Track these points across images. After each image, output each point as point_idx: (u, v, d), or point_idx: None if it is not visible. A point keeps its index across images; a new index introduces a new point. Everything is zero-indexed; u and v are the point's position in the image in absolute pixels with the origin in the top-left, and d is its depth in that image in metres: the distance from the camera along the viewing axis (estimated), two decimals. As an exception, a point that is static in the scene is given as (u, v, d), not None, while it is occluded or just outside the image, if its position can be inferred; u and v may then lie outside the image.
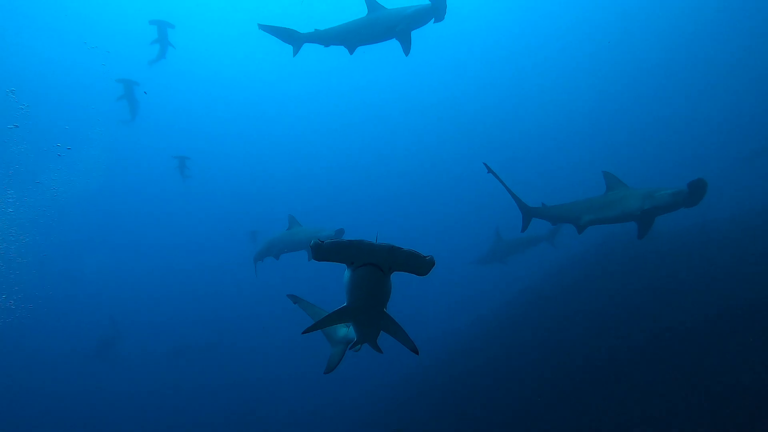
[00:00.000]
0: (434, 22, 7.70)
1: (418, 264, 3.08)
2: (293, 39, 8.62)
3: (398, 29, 7.61)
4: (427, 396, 11.17)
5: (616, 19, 31.78)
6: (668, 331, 7.20)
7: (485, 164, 7.85)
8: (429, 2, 7.47)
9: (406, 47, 7.92)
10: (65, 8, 31.89)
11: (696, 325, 7.02)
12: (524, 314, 11.68)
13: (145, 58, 19.47)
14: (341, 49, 8.64)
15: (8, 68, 28.50)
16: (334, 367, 4.82)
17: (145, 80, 18.58)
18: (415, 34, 7.88)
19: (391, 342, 3.94)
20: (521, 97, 34.45)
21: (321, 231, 9.27)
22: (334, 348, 4.97)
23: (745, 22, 27.01)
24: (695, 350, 6.58)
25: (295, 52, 8.71)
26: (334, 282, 3.69)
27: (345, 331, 4.89)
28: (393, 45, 8.33)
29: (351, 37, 8.17)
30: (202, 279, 27.64)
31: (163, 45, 17.93)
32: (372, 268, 3.06)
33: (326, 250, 3.06)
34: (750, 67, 27.07)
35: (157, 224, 33.51)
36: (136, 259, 30.11)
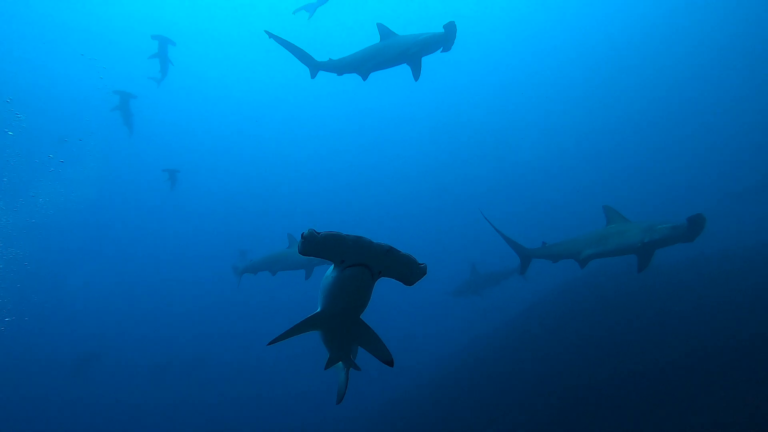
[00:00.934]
0: (441, 52, 7.76)
1: (411, 271, 2.93)
2: (309, 64, 8.76)
3: (411, 52, 7.69)
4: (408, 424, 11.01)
5: (612, 59, 32.66)
6: (653, 367, 7.17)
7: (481, 212, 8.14)
8: (442, 30, 7.57)
9: (416, 72, 7.98)
10: (63, 19, 32.03)
11: (682, 361, 7.01)
12: (507, 345, 11.60)
13: (142, 71, 19.47)
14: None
15: (5, 78, 28.36)
16: (343, 393, 4.43)
17: (140, 93, 18.58)
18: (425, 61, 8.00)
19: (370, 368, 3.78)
20: (520, 134, 34.76)
21: None
22: (342, 372, 4.62)
23: (737, 63, 27.80)
24: (682, 386, 6.56)
25: (312, 76, 8.87)
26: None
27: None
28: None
29: (365, 63, 8.22)
30: (190, 294, 27.31)
31: (163, 61, 17.87)
32: (363, 269, 2.84)
33: (320, 242, 2.78)
34: (743, 108, 27.73)
35: (146, 238, 33.19)
36: (124, 273, 29.72)
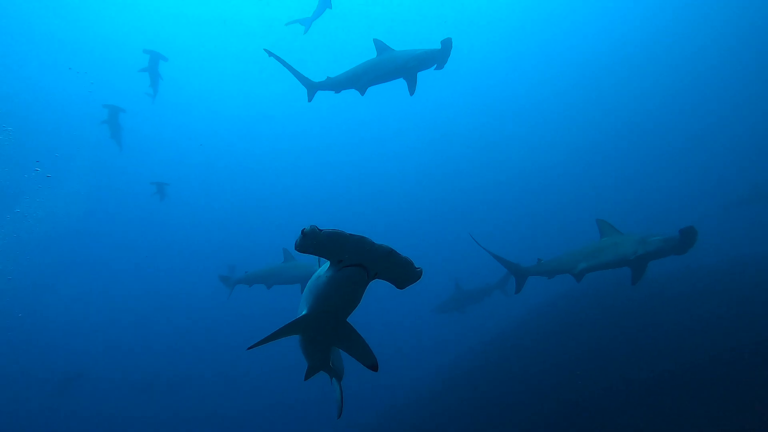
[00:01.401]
0: (435, 69, 7.87)
1: (408, 274, 2.88)
2: (307, 85, 8.78)
3: (409, 66, 7.77)
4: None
5: (602, 75, 33.19)
6: (646, 378, 7.17)
7: (471, 236, 8.29)
8: (438, 46, 7.68)
9: (412, 87, 8.07)
10: (52, 32, 31.98)
11: (670, 375, 7.02)
12: (500, 357, 11.57)
13: (133, 85, 19.36)
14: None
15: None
16: (341, 405, 4.27)
17: (131, 106, 18.47)
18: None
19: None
20: (510, 148, 34.95)
21: (314, 267, 8.99)
22: (335, 385, 4.48)
23: (727, 77, 28.37)
24: (675, 397, 6.56)
25: (310, 98, 8.87)
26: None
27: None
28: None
29: (362, 78, 8.26)
30: (178, 308, 27.01)
31: (154, 76, 17.74)
32: (361, 269, 2.77)
33: (322, 240, 2.66)
34: (732, 121, 28.27)
35: (134, 252, 32.83)
36: (111, 288, 29.32)
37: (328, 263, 2.91)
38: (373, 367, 3.27)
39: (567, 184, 31.00)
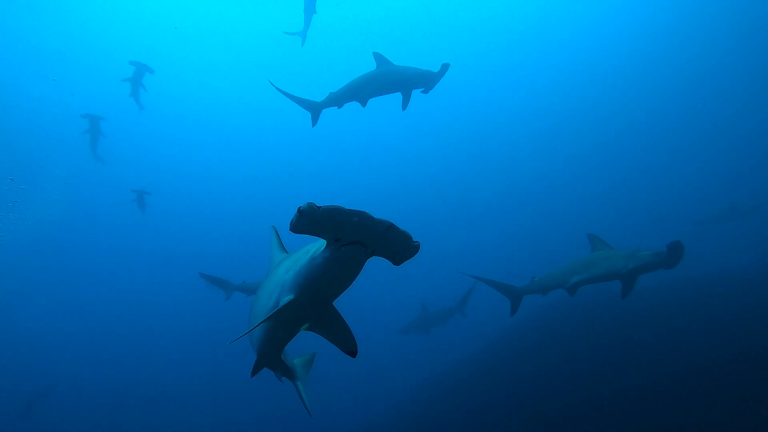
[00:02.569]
0: (421, 92, 8.30)
1: (406, 248, 2.75)
2: (311, 108, 8.89)
3: (411, 82, 8.13)
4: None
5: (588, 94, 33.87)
6: (627, 390, 7.36)
7: (461, 272, 8.70)
8: (438, 68, 8.09)
9: (406, 102, 8.37)
10: (32, 42, 31.48)
11: (651, 387, 7.21)
12: (477, 374, 11.67)
13: (115, 94, 19.10)
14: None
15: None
16: (306, 405, 4.09)
17: (113, 115, 18.26)
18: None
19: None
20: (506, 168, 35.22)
21: None
22: (297, 381, 4.23)
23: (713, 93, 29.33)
24: (653, 408, 6.72)
25: (314, 122, 8.97)
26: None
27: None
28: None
29: (363, 89, 8.45)
30: (154, 323, 26.36)
31: (135, 87, 17.53)
32: (360, 247, 2.64)
33: (320, 218, 2.52)
34: (713, 140, 29.09)
35: (109, 265, 32.21)
36: (85, 301, 28.60)
37: (318, 245, 2.80)
38: (353, 353, 3.12)
39: (556, 199, 31.34)
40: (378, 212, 2.75)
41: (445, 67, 8.05)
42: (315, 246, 2.84)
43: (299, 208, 2.51)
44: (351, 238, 2.61)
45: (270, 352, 3.55)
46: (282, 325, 3.17)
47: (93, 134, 17.67)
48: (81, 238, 32.76)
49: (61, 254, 31.05)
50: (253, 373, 3.69)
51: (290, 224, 2.59)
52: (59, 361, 22.50)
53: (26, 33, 31.19)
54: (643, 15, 31.02)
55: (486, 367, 11.69)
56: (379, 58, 8.42)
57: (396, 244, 2.73)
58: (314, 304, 2.94)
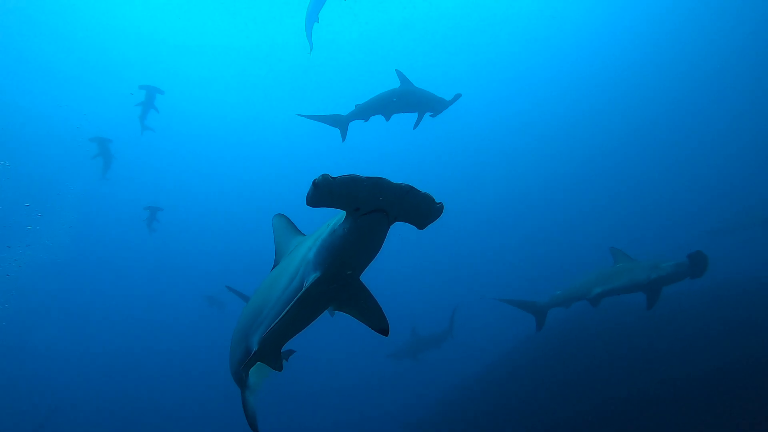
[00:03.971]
0: (430, 116, 8.96)
1: (429, 211, 2.64)
2: (338, 122, 9.08)
3: (429, 105, 8.79)
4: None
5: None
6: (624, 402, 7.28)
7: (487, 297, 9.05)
8: (450, 97, 8.78)
9: (418, 122, 9.07)
10: (45, 65, 31.93)
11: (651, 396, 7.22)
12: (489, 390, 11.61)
13: (126, 117, 19.30)
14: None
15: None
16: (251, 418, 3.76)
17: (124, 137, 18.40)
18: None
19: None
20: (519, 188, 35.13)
21: None
22: (252, 393, 3.96)
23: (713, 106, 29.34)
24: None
25: (344, 136, 9.16)
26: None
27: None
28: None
29: (388, 106, 8.84)
30: (166, 342, 26.17)
31: (146, 108, 17.82)
32: (382, 214, 2.53)
33: (335, 189, 2.41)
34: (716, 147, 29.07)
35: (121, 287, 32.29)
36: (91, 333, 28.47)
37: (338, 217, 2.70)
38: (384, 331, 3.01)
39: (566, 210, 31.29)
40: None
41: (456, 97, 8.66)
42: (336, 218, 2.74)
43: (314, 180, 2.41)
44: (370, 206, 2.51)
45: (276, 344, 3.30)
46: (305, 308, 2.96)
47: (105, 157, 18.01)
48: (95, 258, 32.92)
49: (75, 276, 31.18)
50: (248, 366, 3.44)
51: (306, 198, 2.48)
52: (72, 381, 22.50)
53: (35, 57, 31.63)
54: (658, 18, 31.05)
55: (491, 386, 11.70)
56: (401, 76, 8.74)
57: (418, 208, 2.62)
58: (341, 280, 2.81)
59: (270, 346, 3.25)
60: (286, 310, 2.89)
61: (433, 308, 19.52)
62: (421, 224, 2.72)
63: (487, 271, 27.41)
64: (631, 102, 32.51)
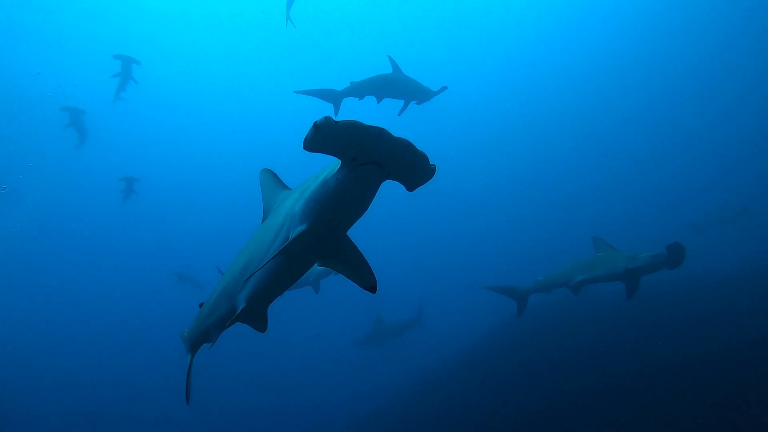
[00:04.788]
0: (416, 104, 9.43)
1: (422, 171, 2.61)
2: (332, 97, 9.35)
3: (415, 94, 9.22)
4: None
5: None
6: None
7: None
8: (437, 88, 9.21)
9: (403, 110, 9.56)
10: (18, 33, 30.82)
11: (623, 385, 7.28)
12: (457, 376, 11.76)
13: (104, 89, 18.89)
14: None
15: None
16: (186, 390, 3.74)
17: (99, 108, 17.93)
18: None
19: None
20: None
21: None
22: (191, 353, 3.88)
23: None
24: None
25: (336, 111, 9.40)
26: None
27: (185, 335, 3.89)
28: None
29: (382, 90, 9.21)
30: (124, 332, 25.02)
31: (125, 79, 17.38)
32: (377, 167, 2.46)
33: (337, 133, 2.33)
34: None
35: (85, 265, 31.63)
36: (54, 306, 27.81)
37: (330, 168, 2.63)
38: (372, 288, 2.95)
39: (552, 200, 31.53)
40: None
41: (442, 89, 9.18)
42: (327, 170, 2.66)
43: (315, 122, 2.32)
44: (368, 157, 2.43)
45: (263, 301, 3.23)
46: (292, 262, 2.91)
47: (77, 128, 17.71)
48: (65, 230, 32.28)
49: (43, 248, 30.49)
50: (229, 325, 3.33)
51: (304, 141, 2.39)
52: (31, 354, 22.11)
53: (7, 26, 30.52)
54: (640, 12, 31.32)
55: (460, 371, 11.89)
56: (393, 63, 9.18)
57: (413, 166, 2.58)
58: (328, 233, 2.74)
59: (257, 304, 3.18)
60: (270, 264, 2.84)
61: (408, 296, 19.67)
62: (411, 184, 2.68)
63: (469, 259, 27.55)
64: (621, 97, 32.97)
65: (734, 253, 15.23)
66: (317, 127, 2.32)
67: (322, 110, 9.17)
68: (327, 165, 2.70)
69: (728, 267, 12.46)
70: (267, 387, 18.98)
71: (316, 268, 8.92)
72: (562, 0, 33.45)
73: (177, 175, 37.59)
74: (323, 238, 2.75)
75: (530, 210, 31.58)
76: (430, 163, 2.61)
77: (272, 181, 3.39)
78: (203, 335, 3.67)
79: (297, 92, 9.59)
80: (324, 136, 2.34)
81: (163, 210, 34.65)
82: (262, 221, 3.37)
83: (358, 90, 9.18)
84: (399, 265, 25.04)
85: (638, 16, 31.62)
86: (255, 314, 3.29)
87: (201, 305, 3.73)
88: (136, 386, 19.77)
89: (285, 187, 3.32)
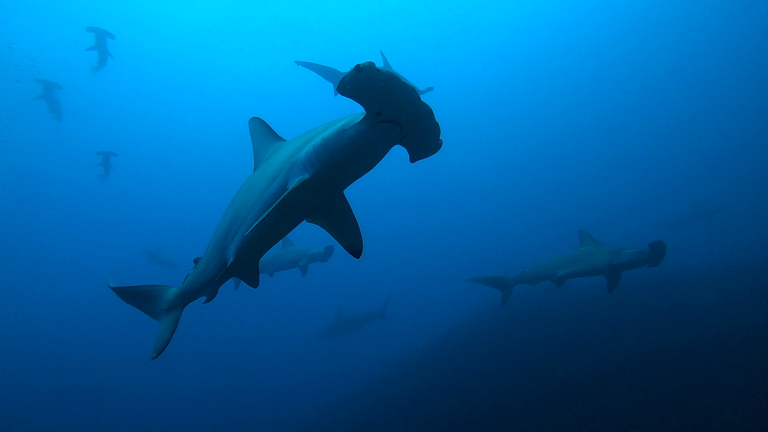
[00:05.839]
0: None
1: (432, 143, 2.64)
2: (333, 77, 9.38)
3: None
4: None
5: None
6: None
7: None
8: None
9: None
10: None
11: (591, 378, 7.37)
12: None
13: (81, 63, 18.31)
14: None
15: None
16: (164, 346, 3.48)
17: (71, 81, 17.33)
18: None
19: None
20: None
21: (311, 249, 9.66)
22: (166, 318, 3.61)
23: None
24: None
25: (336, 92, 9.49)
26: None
27: (175, 291, 3.65)
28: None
29: None
30: (93, 309, 24.54)
31: (102, 54, 16.81)
32: (397, 127, 2.48)
33: (378, 79, 2.31)
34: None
35: (55, 239, 30.91)
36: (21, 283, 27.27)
37: (349, 118, 2.59)
38: (357, 252, 2.94)
39: (538, 194, 31.85)
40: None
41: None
42: (344, 119, 2.62)
43: (358, 64, 2.29)
44: (393, 114, 2.45)
45: (253, 254, 3.15)
46: (280, 216, 2.81)
47: (50, 102, 17.29)
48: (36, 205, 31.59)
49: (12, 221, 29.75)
50: (222, 280, 3.30)
51: (341, 82, 2.35)
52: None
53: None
54: (622, 11, 31.54)
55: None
56: (383, 58, 9.21)
57: (426, 135, 2.61)
58: (328, 186, 2.70)
59: (247, 257, 3.12)
60: (265, 214, 2.74)
61: (382, 288, 19.84)
62: (418, 154, 2.71)
63: (451, 250, 27.70)
64: (607, 95, 33.36)
65: (710, 249, 15.54)
66: (359, 69, 2.29)
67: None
68: (337, 118, 2.67)
69: (701, 263, 12.71)
70: (235, 372, 18.93)
71: (307, 252, 9.56)
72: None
73: (155, 150, 36.87)
74: (322, 190, 2.71)
75: (512, 202, 31.93)
76: (440, 138, 2.64)
77: (263, 130, 3.31)
78: (198, 291, 3.58)
79: (298, 63, 9.49)
80: (362, 81, 2.32)
81: (137, 187, 33.98)
82: (256, 168, 3.30)
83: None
84: (380, 255, 24.99)
85: (614, 23, 32.09)
86: (246, 269, 3.25)
87: (196, 261, 3.67)
88: (91, 364, 19.74)
89: (278, 137, 3.23)
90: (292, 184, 2.65)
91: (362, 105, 2.45)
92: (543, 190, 31.84)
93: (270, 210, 2.68)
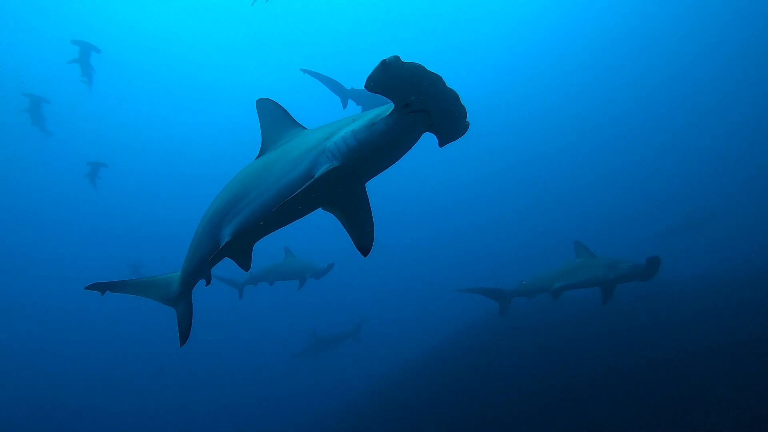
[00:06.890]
0: None
1: (459, 126, 2.63)
2: (342, 93, 9.47)
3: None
4: None
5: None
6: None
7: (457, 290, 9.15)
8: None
9: None
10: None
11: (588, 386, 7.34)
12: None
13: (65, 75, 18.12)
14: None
15: None
16: (187, 331, 3.63)
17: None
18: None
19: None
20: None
21: (315, 264, 9.97)
22: (181, 302, 3.73)
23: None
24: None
25: (344, 105, 9.52)
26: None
27: (177, 276, 3.71)
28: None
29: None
30: (75, 323, 24.10)
31: (85, 67, 16.58)
32: (426, 116, 2.50)
33: (404, 72, 2.31)
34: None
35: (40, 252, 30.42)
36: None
37: (378, 110, 2.59)
38: (366, 249, 2.96)
39: (535, 204, 31.81)
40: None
41: None
42: (374, 111, 2.64)
43: (384, 60, 2.28)
44: (421, 104, 2.46)
45: (252, 237, 3.12)
46: (300, 201, 2.76)
47: (34, 114, 17.17)
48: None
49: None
50: (214, 261, 3.27)
51: (368, 80, 2.36)
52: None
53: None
54: (618, 16, 31.83)
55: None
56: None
57: (454, 119, 2.61)
58: (353, 178, 2.74)
59: (246, 239, 3.12)
60: (270, 201, 2.82)
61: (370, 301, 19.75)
62: (446, 138, 2.70)
63: (448, 261, 27.53)
64: (603, 104, 33.61)
65: (701, 259, 15.53)
66: (385, 64, 2.29)
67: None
68: (361, 113, 2.65)
69: (692, 273, 12.67)
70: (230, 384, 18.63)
71: (311, 266, 9.97)
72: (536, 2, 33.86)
73: (140, 163, 36.51)
74: (347, 180, 2.74)
75: (507, 213, 31.90)
76: (466, 119, 2.63)
77: (278, 113, 3.23)
78: (195, 273, 3.56)
79: (303, 71, 9.51)
80: (389, 75, 2.33)
81: (122, 199, 33.66)
82: (259, 155, 3.23)
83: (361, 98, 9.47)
84: (374, 263, 24.78)
85: (604, 33, 32.40)
86: (241, 250, 3.24)
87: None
88: (74, 379, 19.36)
89: (297, 123, 3.17)
90: (320, 170, 2.66)
91: (390, 99, 2.45)
92: (536, 196, 31.92)
93: (298, 192, 2.66)
